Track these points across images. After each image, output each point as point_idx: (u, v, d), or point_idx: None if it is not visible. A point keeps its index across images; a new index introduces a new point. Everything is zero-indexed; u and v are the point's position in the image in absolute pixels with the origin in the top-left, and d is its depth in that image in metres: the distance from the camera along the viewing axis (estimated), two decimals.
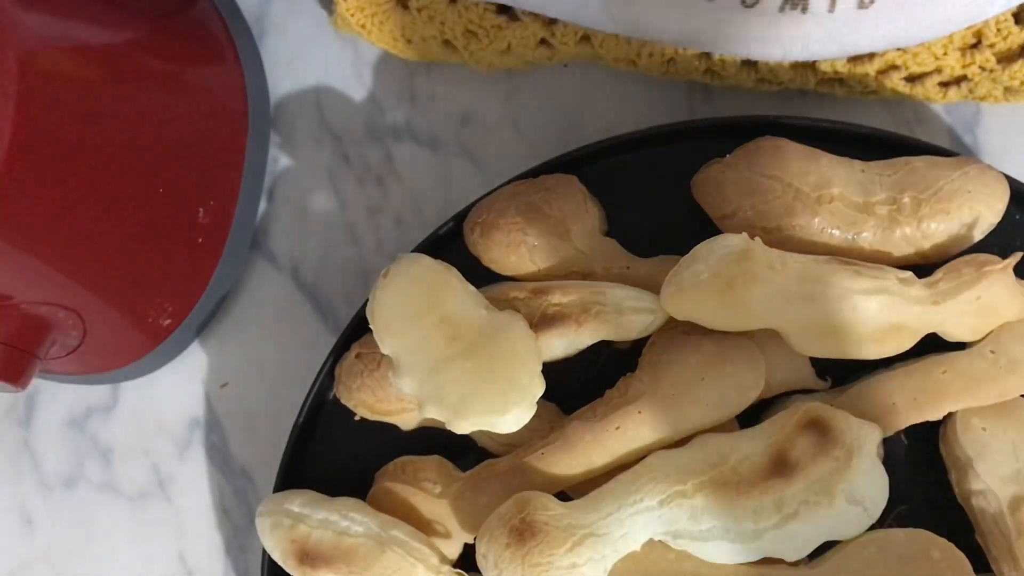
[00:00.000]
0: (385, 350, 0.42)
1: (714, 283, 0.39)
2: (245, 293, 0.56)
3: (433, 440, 0.46)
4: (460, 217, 0.47)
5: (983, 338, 0.42)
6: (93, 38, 0.41)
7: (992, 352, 0.42)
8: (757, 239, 0.40)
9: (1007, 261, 0.40)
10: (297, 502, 0.44)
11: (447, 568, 0.43)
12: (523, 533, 0.39)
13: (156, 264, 0.50)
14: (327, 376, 0.48)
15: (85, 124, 0.39)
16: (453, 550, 0.44)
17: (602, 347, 0.45)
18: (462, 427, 0.40)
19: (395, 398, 0.44)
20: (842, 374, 0.43)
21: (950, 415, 0.42)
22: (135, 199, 0.44)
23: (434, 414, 0.41)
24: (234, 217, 0.53)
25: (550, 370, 0.42)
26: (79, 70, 0.42)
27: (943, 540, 0.40)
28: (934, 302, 0.40)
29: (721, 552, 0.40)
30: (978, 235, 0.42)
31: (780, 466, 0.39)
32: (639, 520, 0.40)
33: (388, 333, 0.42)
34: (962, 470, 0.42)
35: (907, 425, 0.42)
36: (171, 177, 0.46)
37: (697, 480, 0.40)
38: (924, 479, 0.44)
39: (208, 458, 0.57)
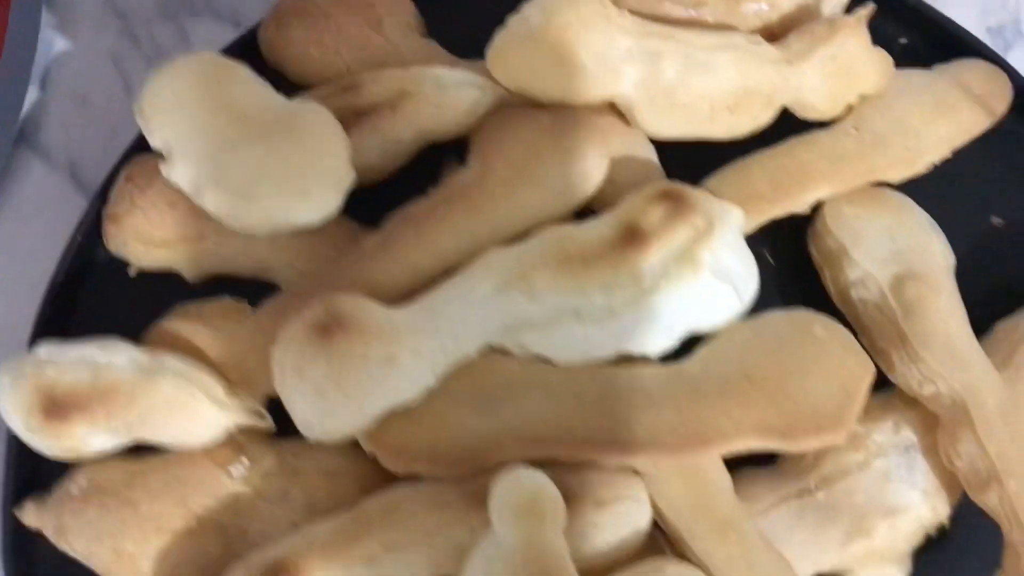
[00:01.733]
0: (156, 142, 0.34)
1: (546, 32, 0.34)
2: (13, 194, 0.48)
3: (225, 293, 0.38)
4: (251, 32, 0.41)
5: (845, 115, 0.38)
6: None
7: (855, 128, 0.38)
8: None
9: (861, 13, 0.37)
10: (43, 350, 0.35)
11: (236, 401, 0.34)
12: (330, 327, 0.32)
13: None
14: (92, 233, 0.40)
15: None
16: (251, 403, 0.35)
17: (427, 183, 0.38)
18: (251, 214, 0.33)
19: (172, 223, 0.36)
20: (695, 176, 0.38)
21: (818, 212, 0.38)
22: None
23: (214, 202, 0.33)
24: None
25: (362, 199, 0.36)
26: None
27: (825, 317, 0.35)
28: (788, 62, 0.36)
29: (572, 341, 0.33)
30: (827, 8, 0.38)
31: (632, 236, 0.33)
32: (473, 314, 0.33)
33: (160, 121, 0.34)
34: (836, 262, 0.37)
35: (772, 215, 0.37)
36: None
37: (538, 261, 0.33)
38: (795, 294, 0.38)
39: None
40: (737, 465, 0.35)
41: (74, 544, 0.34)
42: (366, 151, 0.36)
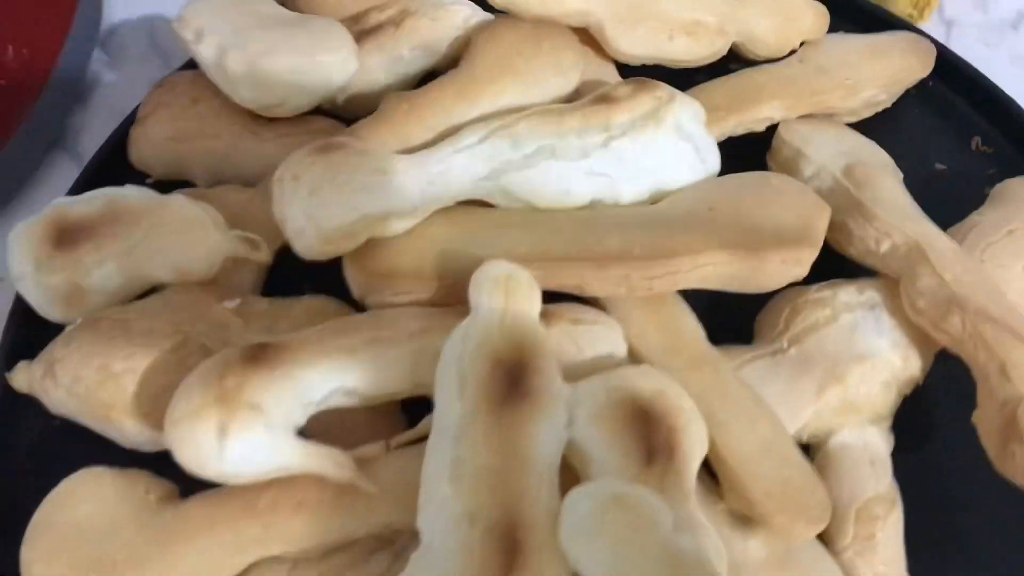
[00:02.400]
0: (187, 33, 0.39)
1: None
2: (43, 191, 0.52)
3: None
4: None
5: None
6: None
7: (800, 61, 0.43)
8: None
9: None
10: (62, 199, 0.37)
11: (238, 231, 0.36)
12: (328, 148, 0.35)
13: None
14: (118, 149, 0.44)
15: None
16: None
17: None
18: (267, 69, 0.37)
19: (194, 116, 0.40)
20: None
21: (775, 134, 0.42)
22: None
23: (235, 61, 0.37)
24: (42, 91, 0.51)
25: None
26: None
27: (784, 175, 0.38)
28: None
29: (549, 178, 0.36)
30: None
31: (603, 99, 0.37)
32: (461, 157, 0.36)
33: (195, 18, 0.40)
34: (793, 165, 0.40)
35: (731, 126, 0.41)
36: None
37: (520, 117, 0.37)
38: None
39: None
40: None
41: (61, 376, 0.35)
42: (372, 70, 0.41)
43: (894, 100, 0.44)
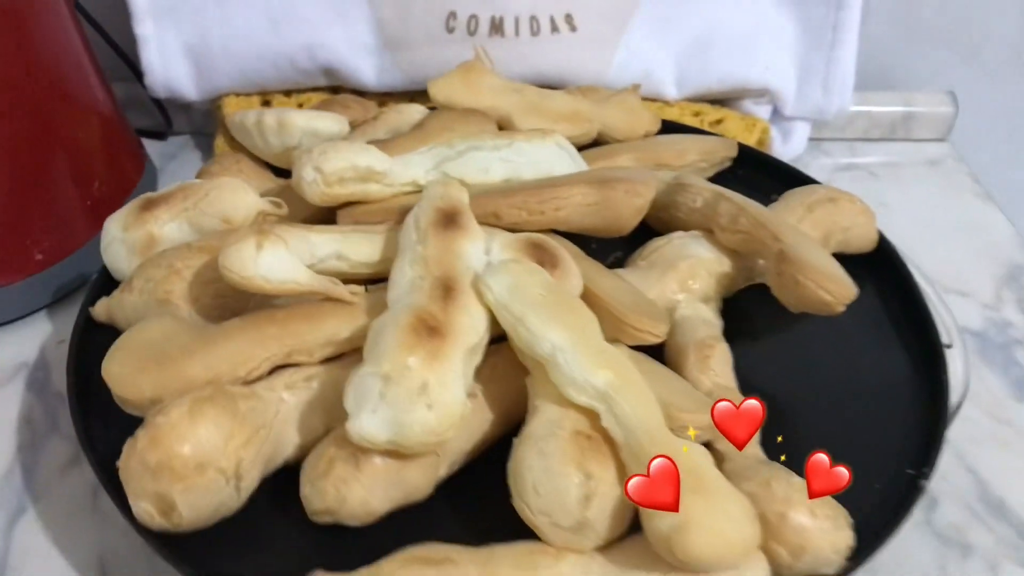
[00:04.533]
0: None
1: (459, 71, 0.63)
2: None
3: None
4: None
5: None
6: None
7: (645, 140, 0.65)
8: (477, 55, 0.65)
9: (632, 87, 0.67)
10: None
11: (267, 200, 0.54)
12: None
13: (45, 204, 0.65)
14: None
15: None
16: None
17: None
18: (291, 117, 0.57)
19: (237, 171, 0.60)
20: None
21: None
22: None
23: (269, 116, 0.58)
24: None
25: None
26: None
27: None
28: (594, 102, 0.65)
29: (473, 160, 0.55)
30: None
31: (506, 132, 0.58)
32: (414, 158, 0.55)
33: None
34: None
35: None
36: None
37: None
38: None
39: (26, 387, 0.61)
40: None
41: (135, 283, 0.50)
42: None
43: (715, 170, 0.65)
